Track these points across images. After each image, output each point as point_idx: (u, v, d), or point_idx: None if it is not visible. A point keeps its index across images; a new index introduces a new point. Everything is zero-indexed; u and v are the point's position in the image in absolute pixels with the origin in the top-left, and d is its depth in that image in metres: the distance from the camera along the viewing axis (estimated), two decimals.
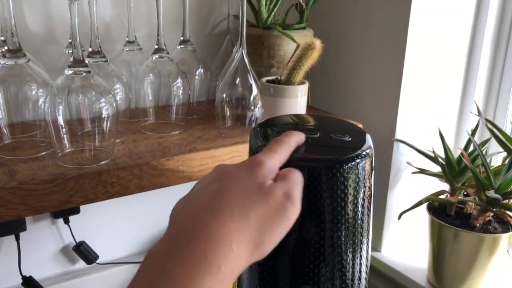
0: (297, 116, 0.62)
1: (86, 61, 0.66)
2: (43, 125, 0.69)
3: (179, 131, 0.77)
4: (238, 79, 0.76)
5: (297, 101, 0.80)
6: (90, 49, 0.71)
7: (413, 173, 0.88)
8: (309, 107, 0.96)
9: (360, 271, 0.49)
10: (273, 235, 0.37)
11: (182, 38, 0.84)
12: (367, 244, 0.50)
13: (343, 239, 0.47)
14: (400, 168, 0.91)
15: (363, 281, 0.50)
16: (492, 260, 0.77)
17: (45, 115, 0.62)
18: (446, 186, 0.84)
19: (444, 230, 0.79)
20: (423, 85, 0.88)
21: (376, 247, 0.96)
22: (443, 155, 0.83)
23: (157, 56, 0.76)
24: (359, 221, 0.48)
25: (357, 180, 0.46)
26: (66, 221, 0.88)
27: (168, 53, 0.77)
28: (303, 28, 0.91)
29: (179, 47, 0.84)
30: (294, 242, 0.46)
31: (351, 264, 0.48)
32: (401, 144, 0.88)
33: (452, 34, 0.89)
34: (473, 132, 0.83)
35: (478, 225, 0.78)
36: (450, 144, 0.93)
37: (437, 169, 0.84)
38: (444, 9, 0.85)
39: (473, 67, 0.93)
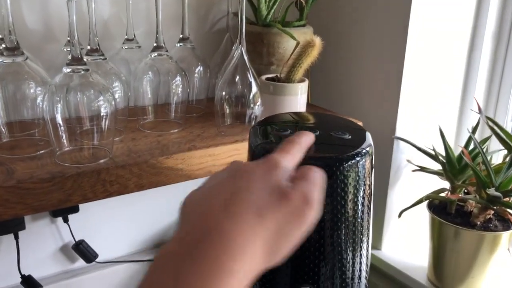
0: (297, 114, 0.62)
1: (85, 59, 0.66)
2: (41, 124, 0.68)
3: (178, 129, 0.77)
4: (237, 77, 0.75)
5: (297, 99, 0.80)
6: (88, 47, 0.70)
7: (414, 171, 0.88)
8: (309, 105, 0.95)
9: (360, 270, 0.49)
10: (289, 240, 0.36)
11: (181, 36, 0.83)
12: (367, 243, 0.50)
13: (343, 237, 0.47)
14: (401, 166, 0.91)
15: (363, 280, 0.50)
16: (492, 258, 0.77)
17: (43, 114, 0.61)
18: (446, 184, 0.84)
19: (444, 228, 0.79)
20: (424, 83, 0.88)
21: (377, 245, 0.96)
22: (443, 153, 0.82)
23: (156, 54, 0.76)
24: (359, 220, 0.47)
25: (357, 178, 0.45)
26: (66, 220, 0.88)
27: (167, 51, 0.77)
28: (303, 25, 0.90)
29: (178, 44, 0.83)
30: None
31: (351, 263, 0.48)
32: (401, 142, 0.88)
33: (452, 32, 0.88)
34: (474, 129, 0.83)
35: (478, 223, 0.77)
36: (451, 142, 0.93)
37: (437, 167, 0.84)
38: (444, 6, 0.85)
39: (473, 64, 0.93)
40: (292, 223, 0.35)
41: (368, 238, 0.50)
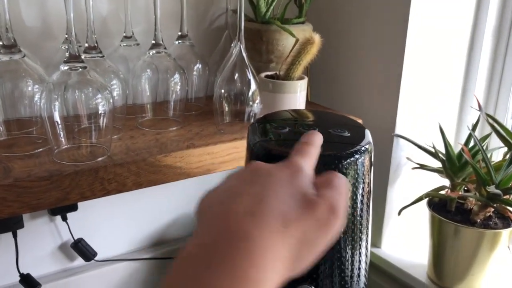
0: (296, 111, 0.61)
1: (83, 57, 0.66)
2: (39, 122, 0.68)
3: (177, 127, 0.77)
4: (236, 75, 0.75)
5: (296, 96, 0.79)
6: (86, 45, 0.70)
7: (413, 168, 0.87)
8: (308, 102, 0.95)
9: (359, 268, 0.48)
10: (313, 250, 0.34)
11: (180, 33, 0.83)
12: (367, 241, 0.50)
13: (342, 235, 0.46)
14: (400, 164, 0.91)
15: (363, 278, 0.49)
16: (492, 255, 0.77)
17: (41, 112, 0.61)
18: (446, 182, 0.84)
19: (444, 226, 0.79)
20: (423, 80, 0.87)
21: (376, 243, 0.95)
22: (443, 151, 0.82)
23: (154, 52, 0.75)
24: (358, 218, 0.47)
25: (356, 176, 0.45)
26: (64, 218, 0.88)
27: (165, 48, 0.76)
28: (302, 22, 0.90)
29: (177, 42, 0.83)
30: None
31: (350, 261, 0.48)
32: (401, 140, 0.88)
33: (452, 29, 0.88)
34: (474, 127, 0.82)
35: (478, 220, 0.77)
36: (451, 139, 0.93)
37: (437, 164, 0.84)
38: (444, 3, 0.85)
39: (473, 62, 0.92)
40: (318, 232, 0.34)
41: (368, 236, 0.50)
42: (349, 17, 0.93)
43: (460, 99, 0.94)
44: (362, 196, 0.46)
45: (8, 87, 0.64)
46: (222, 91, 0.75)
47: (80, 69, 0.61)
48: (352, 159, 0.45)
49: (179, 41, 0.83)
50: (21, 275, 0.85)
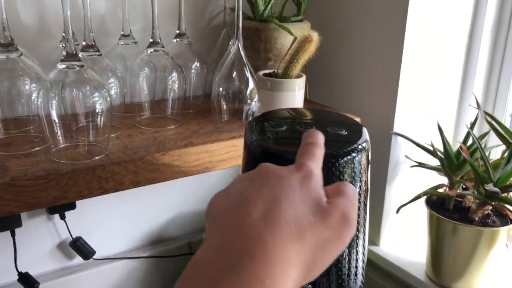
0: (294, 109, 0.61)
1: (80, 55, 0.66)
2: (36, 120, 0.68)
3: (175, 126, 0.77)
4: (234, 73, 0.75)
5: (294, 94, 0.79)
6: (84, 43, 0.70)
7: (412, 166, 0.87)
8: (307, 101, 0.95)
9: (356, 266, 0.48)
10: (326, 259, 0.34)
11: (177, 31, 0.83)
12: (364, 239, 0.49)
13: None
14: (399, 162, 0.91)
15: (360, 276, 0.49)
16: (490, 253, 0.77)
17: (38, 110, 0.61)
18: (444, 180, 0.84)
19: (442, 224, 0.79)
20: (422, 78, 0.87)
21: (375, 241, 0.96)
22: (441, 149, 0.82)
23: (152, 50, 0.75)
24: None
25: (353, 174, 0.45)
26: (62, 217, 0.88)
27: (163, 47, 0.76)
28: (300, 20, 0.90)
29: (174, 40, 0.83)
30: None
31: (347, 259, 0.48)
32: (400, 138, 0.88)
33: (451, 26, 0.88)
34: (472, 125, 0.82)
35: (476, 218, 0.77)
36: (449, 138, 0.93)
37: (435, 162, 0.84)
38: (442, 0, 0.84)
39: (472, 60, 0.92)
40: (330, 240, 0.33)
41: (365, 234, 0.50)
42: (347, 15, 0.93)
43: (459, 97, 0.94)
44: (359, 194, 0.46)
45: (5, 86, 0.64)
46: (220, 89, 0.75)
47: (77, 68, 0.61)
48: (349, 157, 0.45)
49: (177, 39, 0.83)
50: (20, 273, 0.85)
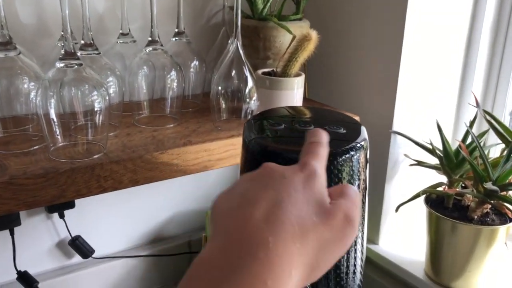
0: (292, 108, 0.61)
1: (79, 54, 0.66)
2: (35, 119, 0.68)
3: (174, 124, 0.77)
4: (233, 71, 0.75)
5: (293, 93, 0.79)
6: (82, 42, 0.70)
7: (411, 165, 0.87)
8: (306, 99, 0.95)
9: (355, 265, 0.48)
10: (328, 260, 0.34)
11: (176, 30, 0.83)
12: (362, 238, 0.49)
13: None
14: (398, 161, 0.90)
15: (358, 275, 0.49)
16: (489, 252, 0.77)
17: (36, 109, 0.61)
18: (444, 178, 0.84)
19: (441, 223, 0.79)
20: (421, 77, 0.87)
21: (374, 239, 0.96)
22: (441, 147, 0.82)
23: (150, 48, 0.75)
24: None
25: (351, 172, 0.45)
26: (61, 216, 0.88)
27: (162, 45, 0.76)
28: (300, 19, 0.89)
29: (173, 39, 0.83)
30: None
31: (345, 258, 0.48)
32: (399, 136, 0.88)
33: (450, 25, 0.88)
34: (471, 123, 0.82)
35: (476, 217, 0.77)
36: (448, 136, 0.93)
37: (435, 161, 0.84)
38: (442, 2, 0.84)
39: (471, 58, 0.92)
40: (333, 241, 0.33)
41: (363, 233, 0.50)
42: (346, 14, 0.93)
43: (458, 95, 0.94)
44: None
45: (4, 85, 0.64)
46: (219, 88, 0.75)
47: (76, 66, 0.61)
48: (347, 155, 0.45)
49: (176, 38, 0.83)
50: (19, 272, 0.85)
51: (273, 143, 0.48)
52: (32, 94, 0.65)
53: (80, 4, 0.68)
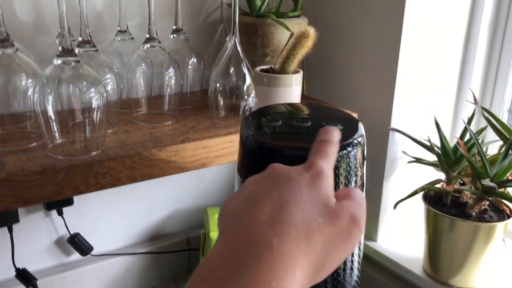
0: (290, 104, 0.61)
1: (76, 51, 0.66)
2: (33, 116, 0.68)
3: (172, 122, 0.77)
4: (231, 69, 0.75)
5: (291, 90, 0.79)
6: (80, 39, 0.70)
7: (409, 162, 0.87)
8: (304, 96, 0.95)
9: (352, 261, 0.48)
10: (334, 261, 0.34)
11: (174, 27, 0.82)
12: None
13: None
14: (396, 158, 0.91)
15: (355, 271, 0.49)
16: (487, 248, 0.77)
17: (34, 106, 0.61)
18: (442, 175, 0.84)
19: (439, 219, 0.79)
20: (419, 74, 0.87)
21: (372, 236, 0.96)
22: (439, 144, 0.82)
23: (148, 46, 0.75)
24: None
25: (348, 169, 0.45)
26: (60, 213, 0.88)
27: (160, 42, 0.76)
28: (298, 16, 0.89)
29: (171, 36, 0.83)
30: None
31: None
32: (397, 133, 0.88)
33: (448, 21, 0.88)
34: (469, 120, 0.82)
35: (474, 214, 0.77)
36: (446, 133, 0.93)
37: (433, 158, 0.84)
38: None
39: (469, 55, 0.92)
40: (339, 242, 0.34)
41: None
42: (344, 11, 0.93)
43: (456, 92, 0.94)
44: None
45: (1, 82, 0.64)
46: (217, 85, 0.75)
47: (73, 63, 0.61)
48: (344, 152, 0.45)
49: (174, 35, 0.83)
50: (17, 269, 0.85)
51: (271, 140, 0.48)
52: (30, 91, 0.65)
53: (77, 1, 0.68)
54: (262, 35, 0.85)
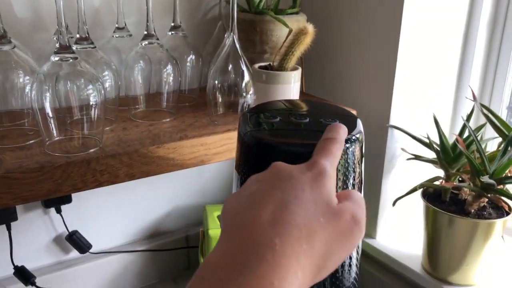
0: (289, 101, 0.61)
1: (74, 48, 0.65)
2: (31, 113, 0.68)
3: (170, 119, 0.76)
4: (229, 66, 0.74)
5: (290, 87, 0.79)
6: (77, 35, 0.70)
7: (408, 159, 0.87)
8: (303, 94, 0.95)
9: (350, 258, 0.48)
10: (336, 260, 0.34)
11: (172, 24, 0.82)
12: None
13: None
14: (395, 155, 0.90)
15: (354, 268, 0.49)
16: (486, 245, 0.77)
17: (31, 103, 0.61)
18: (441, 172, 0.84)
19: (438, 216, 0.79)
20: (418, 71, 0.87)
21: (371, 234, 0.96)
22: (438, 141, 0.82)
23: (146, 42, 0.75)
24: None
25: (346, 165, 0.45)
26: (58, 211, 0.88)
27: (158, 39, 0.76)
28: (296, 13, 0.89)
29: (169, 33, 0.82)
30: None
31: None
32: (396, 130, 0.87)
33: (448, 19, 0.87)
34: (468, 117, 0.82)
35: (472, 211, 0.77)
36: (446, 130, 0.93)
37: (432, 155, 0.83)
38: None
39: (468, 52, 0.92)
40: (341, 242, 0.34)
41: None
42: (343, 8, 0.93)
43: (455, 89, 0.94)
44: (353, 186, 0.46)
45: None
46: (216, 82, 0.75)
47: (71, 60, 0.61)
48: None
49: (172, 32, 0.82)
50: (16, 267, 0.85)
51: (269, 136, 0.48)
52: (27, 88, 0.65)
53: None
54: (261, 32, 0.85)
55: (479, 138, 0.80)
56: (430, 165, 0.85)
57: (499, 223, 0.76)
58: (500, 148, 0.78)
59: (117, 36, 0.80)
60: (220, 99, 0.76)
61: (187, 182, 1.03)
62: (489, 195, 0.76)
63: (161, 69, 0.75)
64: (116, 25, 0.79)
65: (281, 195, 0.34)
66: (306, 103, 0.59)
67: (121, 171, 0.63)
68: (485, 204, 0.78)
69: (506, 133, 0.78)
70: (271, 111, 0.54)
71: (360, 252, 0.51)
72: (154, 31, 0.75)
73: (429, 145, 0.83)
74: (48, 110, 0.60)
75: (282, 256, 0.31)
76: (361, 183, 0.49)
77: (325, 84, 1.00)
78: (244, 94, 0.75)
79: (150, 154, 0.65)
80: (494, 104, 0.94)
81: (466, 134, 0.82)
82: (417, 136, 0.84)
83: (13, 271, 0.85)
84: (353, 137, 0.46)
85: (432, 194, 0.83)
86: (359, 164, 0.47)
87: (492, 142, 0.89)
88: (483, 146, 0.80)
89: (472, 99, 0.83)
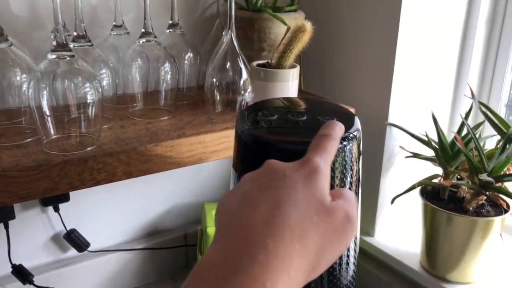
0: (287, 99, 0.61)
1: (71, 46, 0.65)
2: (28, 112, 0.68)
3: (168, 117, 0.76)
4: (227, 63, 0.74)
5: (288, 85, 0.79)
6: (75, 33, 0.69)
7: (406, 157, 0.87)
8: (301, 91, 0.95)
9: (348, 256, 0.48)
10: (329, 258, 0.34)
11: (170, 22, 0.82)
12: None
13: None
14: (393, 153, 0.90)
15: (351, 266, 0.49)
16: (485, 243, 0.77)
17: (28, 101, 0.60)
18: (439, 170, 0.84)
19: (437, 214, 0.79)
20: (417, 69, 0.87)
21: (369, 231, 0.96)
22: (436, 139, 0.82)
23: (144, 40, 0.75)
24: None
25: (344, 163, 0.45)
26: (56, 209, 0.88)
27: (155, 37, 0.75)
28: (294, 10, 0.89)
29: (167, 31, 0.82)
30: None
31: None
32: (394, 128, 0.87)
33: (446, 18, 0.87)
34: (467, 115, 0.82)
35: (471, 208, 0.77)
36: (444, 128, 0.92)
37: (430, 153, 0.83)
38: None
39: (467, 50, 0.92)
40: (334, 240, 0.34)
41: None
42: (342, 6, 0.93)
43: (454, 87, 0.94)
44: (350, 184, 0.46)
45: None
46: (214, 80, 0.75)
47: (68, 58, 0.61)
48: (340, 146, 0.44)
49: (170, 30, 0.82)
50: (13, 266, 0.85)
51: (266, 134, 0.48)
52: (25, 86, 0.65)
53: None
54: (259, 30, 0.85)
55: (477, 136, 0.80)
56: (429, 163, 0.85)
57: (497, 221, 0.76)
58: (498, 146, 0.78)
59: (114, 34, 0.79)
60: (218, 97, 0.76)
61: (185, 180, 1.03)
62: (487, 193, 0.76)
63: (159, 67, 0.75)
64: (114, 23, 0.79)
65: (274, 194, 0.34)
66: (304, 101, 0.59)
67: (119, 169, 0.63)
68: (484, 202, 0.78)
69: (505, 130, 0.78)
70: (269, 109, 0.54)
71: (357, 250, 0.51)
72: (152, 29, 0.75)
73: (427, 143, 0.83)
74: (45, 108, 0.60)
75: (275, 256, 0.31)
76: (359, 181, 0.48)
77: (323, 82, 1.00)
78: (242, 92, 0.75)
79: (148, 152, 0.65)
80: (493, 102, 0.94)
81: (464, 132, 0.82)
82: (416, 134, 0.84)
83: (11, 269, 0.84)
84: (351, 135, 0.46)
85: (430, 192, 0.83)
86: (356, 162, 0.47)
87: (490, 140, 0.89)
88: (481, 144, 0.80)
89: (471, 97, 0.83)
